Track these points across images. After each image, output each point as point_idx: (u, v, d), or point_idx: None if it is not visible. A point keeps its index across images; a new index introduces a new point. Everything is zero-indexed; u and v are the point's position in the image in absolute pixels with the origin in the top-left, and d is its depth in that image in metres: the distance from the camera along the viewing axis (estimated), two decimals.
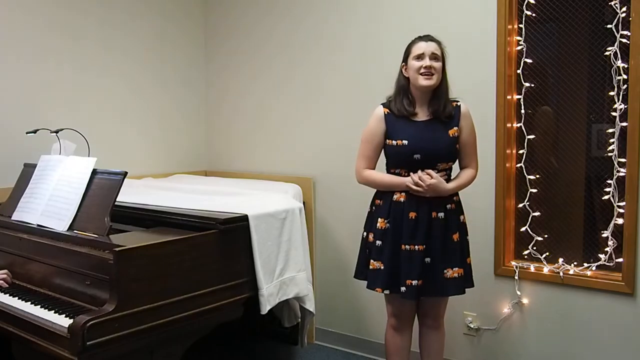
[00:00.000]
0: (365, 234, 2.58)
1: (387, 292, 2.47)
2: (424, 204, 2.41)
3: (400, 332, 2.61)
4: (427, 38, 2.45)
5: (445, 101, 2.45)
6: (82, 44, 3.41)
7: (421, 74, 2.40)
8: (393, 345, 2.62)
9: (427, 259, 2.41)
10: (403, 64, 2.49)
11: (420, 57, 2.41)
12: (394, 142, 2.45)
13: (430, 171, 2.39)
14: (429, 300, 2.54)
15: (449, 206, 2.45)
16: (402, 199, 2.44)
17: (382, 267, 2.45)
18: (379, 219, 2.48)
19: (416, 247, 2.40)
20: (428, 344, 2.63)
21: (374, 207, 2.56)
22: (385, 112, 2.50)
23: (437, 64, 2.41)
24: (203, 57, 4.13)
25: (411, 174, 2.41)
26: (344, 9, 3.41)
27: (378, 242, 2.48)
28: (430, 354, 2.64)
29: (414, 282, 2.39)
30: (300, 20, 3.61)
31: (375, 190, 2.57)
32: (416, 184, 2.38)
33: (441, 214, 2.43)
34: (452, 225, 2.45)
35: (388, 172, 2.53)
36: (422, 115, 2.47)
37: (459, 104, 2.49)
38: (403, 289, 2.41)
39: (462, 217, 2.52)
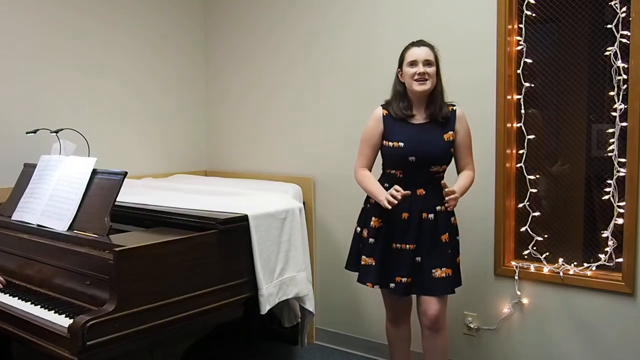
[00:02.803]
0: (359, 229, 2.65)
1: (377, 286, 2.55)
2: (416, 205, 2.49)
3: (396, 325, 2.72)
4: (420, 43, 2.51)
5: (441, 103, 2.51)
6: (82, 44, 3.41)
7: (415, 80, 2.46)
8: (391, 336, 2.76)
9: (418, 258, 2.48)
10: (398, 69, 2.55)
11: (413, 63, 2.47)
12: (391, 144, 2.51)
13: (398, 187, 2.40)
14: (422, 300, 2.57)
15: (438, 208, 2.50)
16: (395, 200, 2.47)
17: (374, 264, 2.53)
18: (373, 218, 2.55)
19: (407, 246, 2.48)
20: (430, 347, 2.63)
21: (368, 205, 2.63)
22: (384, 114, 2.56)
23: (431, 69, 2.47)
24: (203, 57, 4.13)
25: (386, 194, 2.41)
26: (343, 9, 3.41)
27: (371, 240, 2.55)
28: (432, 357, 2.63)
29: (404, 280, 2.48)
30: (299, 20, 3.61)
31: None
32: (389, 202, 2.39)
33: (431, 215, 2.49)
34: (441, 226, 2.50)
35: (384, 171, 2.60)
36: (419, 117, 2.53)
37: (454, 108, 2.55)
38: (392, 285, 2.50)
39: (453, 219, 2.57)
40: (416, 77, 2.45)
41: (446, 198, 2.40)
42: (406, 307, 2.70)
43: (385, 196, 2.41)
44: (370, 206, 2.59)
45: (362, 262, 2.57)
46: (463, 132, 2.54)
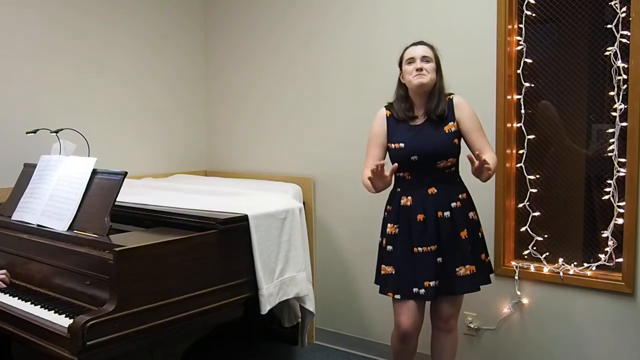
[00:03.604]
0: (379, 239, 2.59)
1: (397, 296, 2.46)
2: (430, 204, 2.43)
3: (404, 342, 2.55)
4: (418, 43, 2.49)
5: (439, 101, 2.46)
6: (82, 44, 3.41)
7: (414, 76, 2.43)
8: (397, 351, 2.60)
9: (439, 259, 2.42)
10: (400, 71, 2.52)
11: (411, 60, 2.45)
12: (393, 146, 2.50)
13: (379, 162, 2.33)
14: (442, 301, 2.52)
15: (454, 204, 2.45)
16: (409, 203, 2.46)
17: (393, 272, 2.46)
18: (389, 225, 2.51)
19: (428, 248, 2.41)
20: (439, 347, 2.60)
21: (385, 213, 2.58)
22: (387, 114, 2.54)
23: (428, 65, 2.43)
24: (203, 57, 4.13)
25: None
26: (343, 9, 3.41)
27: (389, 247, 2.50)
28: (441, 358, 2.61)
29: (432, 283, 2.40)
30: (299, 20, 3.61)
31: (388, 194, 2.57)
32: (372, 172, 2.31)
33: (447, 213, 2.43)
34: (459, 223, 2.44)
35: (396, 176, 2.53)
36: (421, 118, 2.50)
37: (451, 97, 2.50)
38: (422, 291, 2.40)
39: (471, 214, 2.51)
40: (414, 72, 2.42)
41: (473, 158, 2.24)
42: (418, 325, 2.52)
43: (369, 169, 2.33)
44: (387, 214, 2.55)
45: (382, 272, 2.50)
46: (466, 118, 2.46)
